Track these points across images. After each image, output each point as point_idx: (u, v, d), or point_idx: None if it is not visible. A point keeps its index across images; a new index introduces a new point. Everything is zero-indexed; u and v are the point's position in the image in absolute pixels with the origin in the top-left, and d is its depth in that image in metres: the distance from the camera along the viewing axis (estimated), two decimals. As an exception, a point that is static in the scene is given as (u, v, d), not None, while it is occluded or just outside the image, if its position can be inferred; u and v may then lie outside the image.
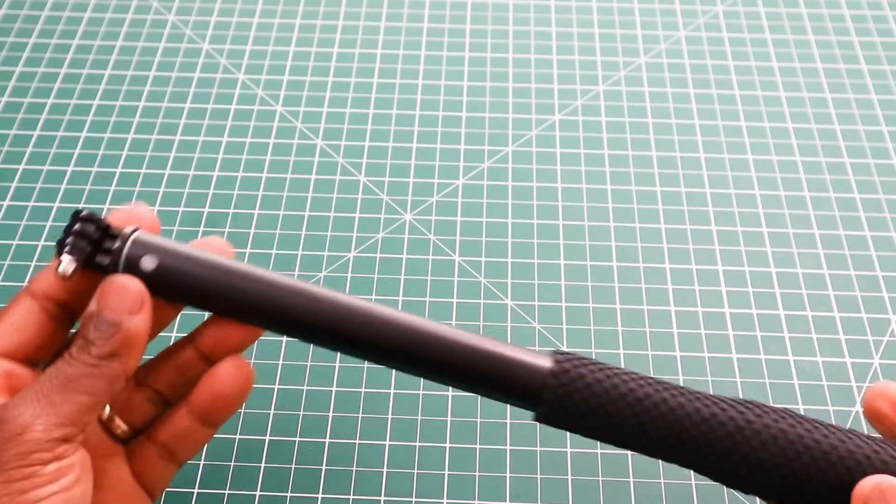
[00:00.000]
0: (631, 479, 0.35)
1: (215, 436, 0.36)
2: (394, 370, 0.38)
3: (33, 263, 0.41)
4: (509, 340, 0.39)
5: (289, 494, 0.35)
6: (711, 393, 0.30)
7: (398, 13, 0.53)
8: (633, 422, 0.26)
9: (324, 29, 0.52)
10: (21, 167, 0.45)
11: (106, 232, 0.27)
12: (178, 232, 0.43)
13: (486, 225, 0.43)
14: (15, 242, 0.42)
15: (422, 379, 0.38)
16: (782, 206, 0.44)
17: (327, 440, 0.36)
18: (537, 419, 0.27)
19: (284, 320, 0.27)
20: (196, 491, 0.35)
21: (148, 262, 0.26)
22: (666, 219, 0.43)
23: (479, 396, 0.38)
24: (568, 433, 0.36)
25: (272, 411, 0.37)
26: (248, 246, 0.42)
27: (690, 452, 0.26)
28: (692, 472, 0.35)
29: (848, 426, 0.37)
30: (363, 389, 0.38)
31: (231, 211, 0.43)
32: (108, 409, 0.29)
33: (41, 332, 0.27)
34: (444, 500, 0.35)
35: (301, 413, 0.37)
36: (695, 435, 0.26)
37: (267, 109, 0.48)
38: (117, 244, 0.26)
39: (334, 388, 0.38)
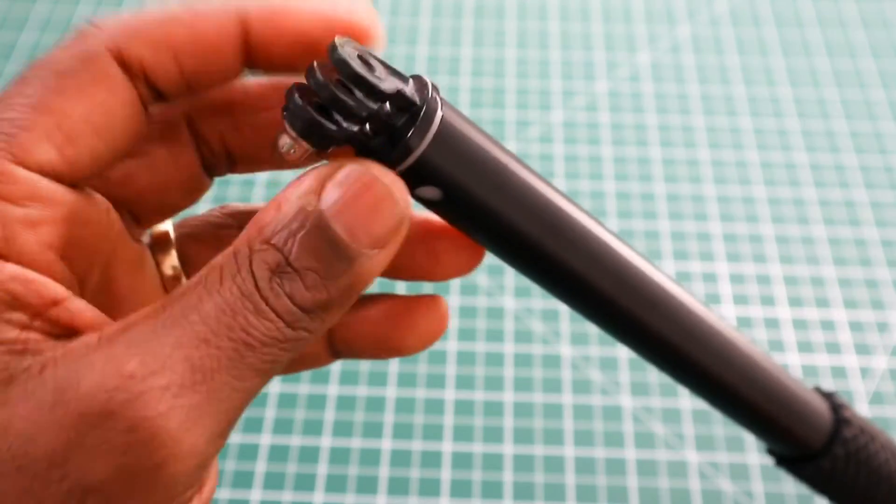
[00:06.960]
0: (631, 479, 0.35)
1: (214, 436, 0.36)
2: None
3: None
4: (509, 341, 0.39)
5: (288, 495, 0.34)
6: None
7: (398, 11, 0.52)
8: None
9: (322, 26, 0.51)
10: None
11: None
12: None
13: (485, 224, 0.43)
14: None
15: (423, 382, 0.38)
16: (783, 206, 0.44)
17: (327, 440, 0.36)
18: (801, 469, 0.24)
19: (591, 302, 0.19)
20: (195, 492, 0.35)
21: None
22: (666, 218, 0.43)
23: (466, 396, 0.37)
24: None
25: (272, 411, 0.37)
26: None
27: None
28: (692, 472, 0.35)
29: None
30: (363, 390, 0.37)
31: (229, 209, 0.43)
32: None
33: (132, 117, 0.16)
34: (444, 501, 0.35)
35: (301, 413, 0.37)
36: None
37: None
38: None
39: (334, 389, 0.37)
